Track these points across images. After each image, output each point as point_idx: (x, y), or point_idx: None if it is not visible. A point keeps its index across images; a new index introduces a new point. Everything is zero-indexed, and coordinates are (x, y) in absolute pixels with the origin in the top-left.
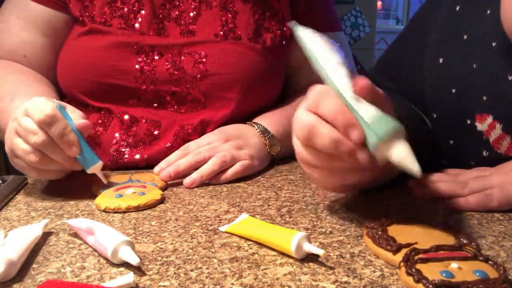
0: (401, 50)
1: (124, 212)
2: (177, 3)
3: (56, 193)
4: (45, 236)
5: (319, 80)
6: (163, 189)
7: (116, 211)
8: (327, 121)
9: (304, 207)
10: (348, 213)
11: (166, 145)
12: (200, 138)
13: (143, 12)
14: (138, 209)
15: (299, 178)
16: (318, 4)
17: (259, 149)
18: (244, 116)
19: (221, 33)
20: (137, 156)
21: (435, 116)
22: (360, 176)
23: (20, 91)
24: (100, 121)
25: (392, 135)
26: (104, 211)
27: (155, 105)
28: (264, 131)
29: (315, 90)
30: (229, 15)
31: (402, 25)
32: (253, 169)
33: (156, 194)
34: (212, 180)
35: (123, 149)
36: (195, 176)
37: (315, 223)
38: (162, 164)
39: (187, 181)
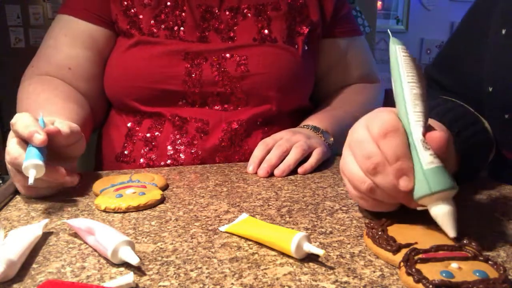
0: (459, 42)
1: (124, 212)
2: (216, 14)
3: (56, 193)
4: (45, 236)
5: (346, 84)
6: (163, 189)
7: (116, 211)
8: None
9: (304, 207)
10: (348, 213)
11: (218, 141)
12: (271, 135)
13: (185, 23)
14: (138, 209)
15: (299, 178)
16: (343, 12)
17: (319, 140)
18: (284, 113)
19: (259, 37)
20: (193, 151)
21: (490, 90)
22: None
23: (44, 109)
24: (154, 125)
25: (442, 192)
26: (104, 211)
27: (202, 105)
28: (315, 128)
29: (384, 118)
30: (264, 22)
31: (402, 25)
32: (326, 155)
33: (156, 194)
34: (300, 171)
35: (177, 147)
36: (282, 167)
37: (315, 223)
38: (251, 162)
39: (277, 172)
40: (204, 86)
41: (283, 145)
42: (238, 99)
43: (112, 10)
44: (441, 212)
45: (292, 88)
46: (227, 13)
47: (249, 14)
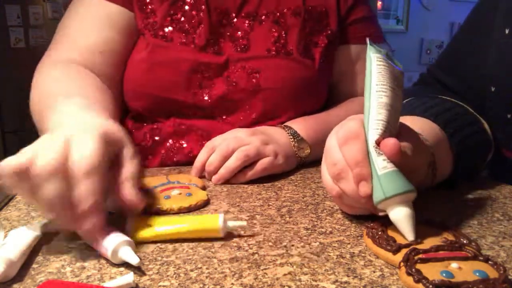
0: (462, 41)
1: (177, 213)
2: (232, 20)
3: None
4: (45, 236)
5: (355, 95)
6: (203, 189)
7: (168, 212)
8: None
9: (304, 207)
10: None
11: None
12: (225, 133)
13: (201, 26)
14: (189, 210)
15: (299, 178)
16: (360, 14)
17: (286, 148)
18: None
19: (274, 48)
20: (191, 155)
21: (493, 89)
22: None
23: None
24: (154, 130)
25: (397, 196)
26: (156, 213)
27: (207, 117)
28: (294, 134)
29: (348, 125)
30: (281, 31)
31: (402, 25)
32: (276, 167)
33: (203, 195)
34: (232, 179)
35: (171, 154)
36: (219, 175)
37: (315, 223)
38: (194, 166)
39: (213, 180)
40: (214, 98)
41: (226, 147)
42: (247, 113)
43: (133, 3)
44: (397, 216)
45: (306, 102)
46: (244, 19)
47: (266, 21)
